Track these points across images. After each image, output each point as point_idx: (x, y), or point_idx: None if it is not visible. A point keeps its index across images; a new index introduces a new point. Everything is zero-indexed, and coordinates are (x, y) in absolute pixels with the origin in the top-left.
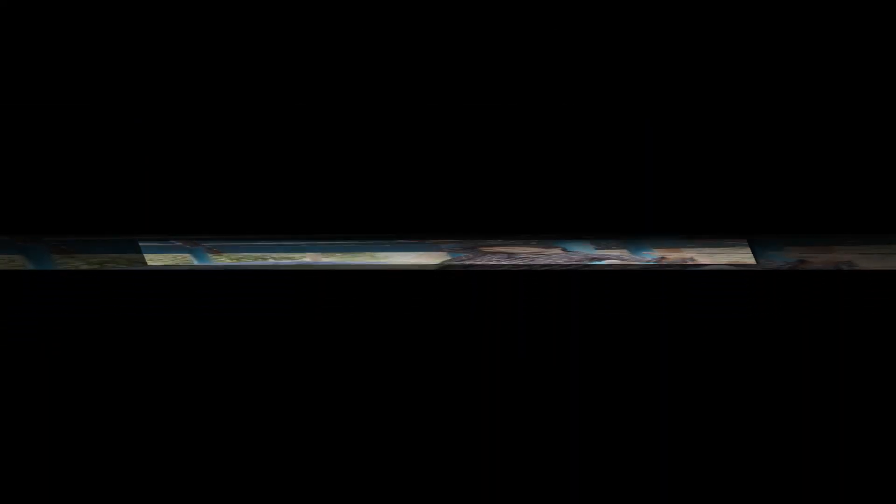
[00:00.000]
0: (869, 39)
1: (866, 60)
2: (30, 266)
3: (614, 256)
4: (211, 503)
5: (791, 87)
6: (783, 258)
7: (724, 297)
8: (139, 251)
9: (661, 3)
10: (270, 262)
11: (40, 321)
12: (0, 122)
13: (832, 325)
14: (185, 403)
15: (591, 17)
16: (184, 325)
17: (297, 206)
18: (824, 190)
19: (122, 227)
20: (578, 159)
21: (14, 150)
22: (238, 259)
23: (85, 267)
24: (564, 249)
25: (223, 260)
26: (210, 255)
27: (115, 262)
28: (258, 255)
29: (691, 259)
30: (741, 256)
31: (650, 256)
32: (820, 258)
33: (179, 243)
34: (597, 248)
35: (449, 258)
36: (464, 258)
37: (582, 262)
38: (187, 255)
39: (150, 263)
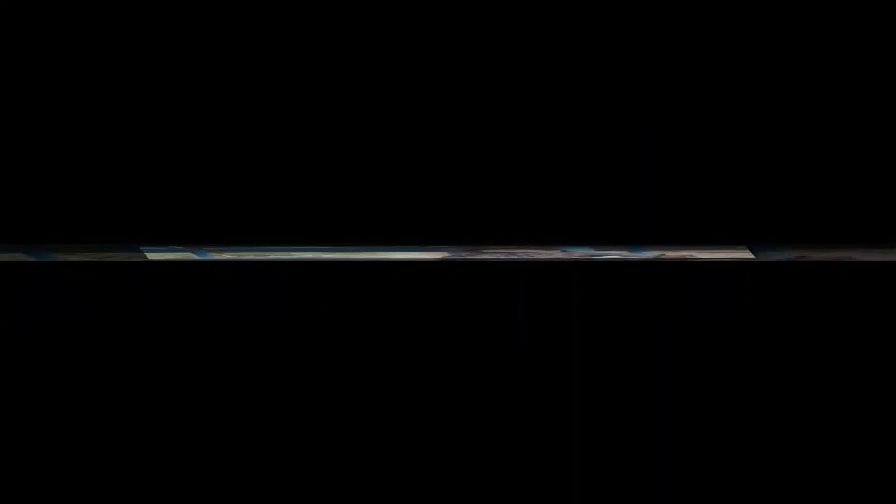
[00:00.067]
0: (875, 39)
1: (870, 58)
2: (29, 258)
3: (614, 254)
4: (211, 502)
5: (791, 86)
6: (783, 254)
7: (724, 293)
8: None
9: (660, 3)
10: (271, 256)
11: (40, 319)
12: None
13: (832, 319)
14: (185, 402)
15: (590, 17)
16: (184, 322)
17: (296, 206)
18: (824, 190)
19: (122, 227)
20: (578, 159)
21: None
22: (239, 255)
23: (85, 258)
24: (564, 250)
25: (224, 255)
26: (211, 253)
27: (114, 255)
28: (258, 253)
29: (690, 256)
30: (740, 253)
31: (650, 254)
32: (819, 255)
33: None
34: (596, 249)
35: (449, 255)
36: (464, 255)
37: (581, 258)
38: (188, 253)
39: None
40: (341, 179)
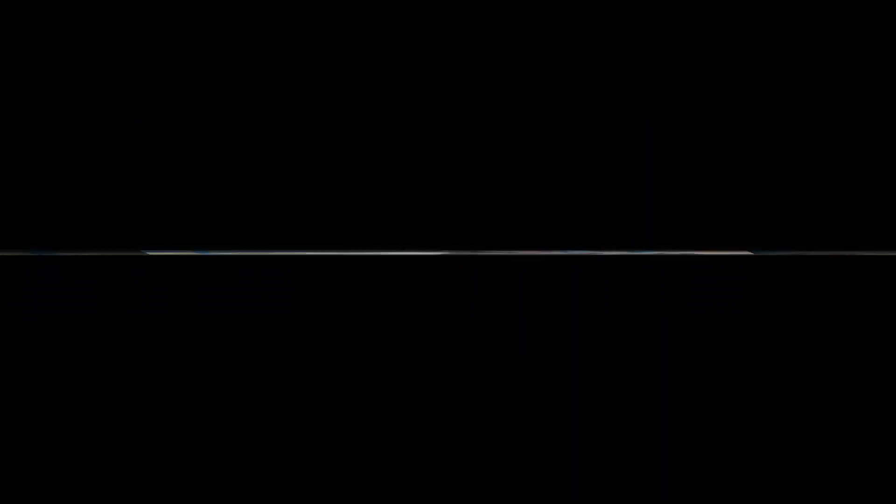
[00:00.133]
0: (875, 39)
1: (870, 58)
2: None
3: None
4: (211, 501)
5: (791, 86)
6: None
7: (724, 290)
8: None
9: (660, 3)
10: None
11: (39, 316)
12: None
13: (833, 316)
14: (185, 400)
15: (590, 17)
16: (183, 320)
17: (296, 206)
18: (824, 189)
19: (122, 228)
20: (577, 159)
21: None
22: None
23: (85, 252)
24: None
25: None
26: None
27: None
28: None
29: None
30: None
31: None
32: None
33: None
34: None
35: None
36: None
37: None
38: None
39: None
40: (341, 179)
